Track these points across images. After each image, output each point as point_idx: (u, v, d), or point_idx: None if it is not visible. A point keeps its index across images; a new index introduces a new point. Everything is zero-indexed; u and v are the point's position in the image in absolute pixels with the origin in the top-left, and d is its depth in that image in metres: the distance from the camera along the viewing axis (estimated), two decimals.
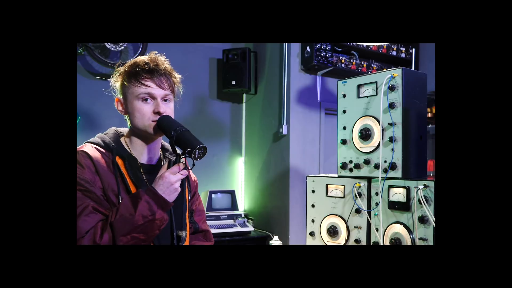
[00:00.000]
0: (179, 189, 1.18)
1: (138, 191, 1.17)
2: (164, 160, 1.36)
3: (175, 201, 1.19)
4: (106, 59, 2.77)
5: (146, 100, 1.23)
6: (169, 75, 1.27)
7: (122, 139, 1.32)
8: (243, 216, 3.03)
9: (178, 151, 1.18)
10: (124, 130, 1.37)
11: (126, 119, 1.30)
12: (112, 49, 2.76)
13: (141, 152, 1.30)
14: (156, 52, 1.30)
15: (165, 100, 1.26)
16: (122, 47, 2.80)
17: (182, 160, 1.18)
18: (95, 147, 1.24)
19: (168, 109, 1.25)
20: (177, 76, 1.33)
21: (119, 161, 1.23)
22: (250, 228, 2.94)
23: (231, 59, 3.17)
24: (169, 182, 1.15)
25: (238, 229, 2.87)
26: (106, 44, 2.73)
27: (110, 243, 1.10)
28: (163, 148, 1.40)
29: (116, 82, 1.29)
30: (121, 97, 1.29)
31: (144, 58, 1.26)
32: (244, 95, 3.52)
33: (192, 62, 3.26)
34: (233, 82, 3.16)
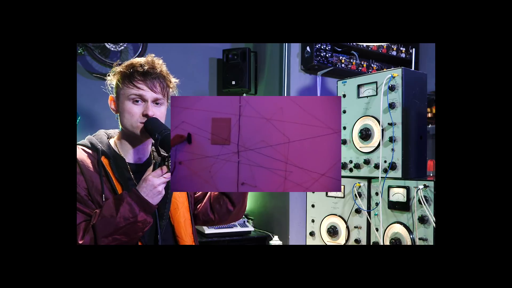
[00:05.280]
0: (163, 192, 1.17)
1: (121, 193, 1.18)
2: (153, 161, 1.36)
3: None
4: (106, 59, 2.76)
5: (136, 101, 1.23)
6: (163, 79, 1.27)
7: (111, 140, 1.33)
8: (243, 216, 3.03)
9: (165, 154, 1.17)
10: (114, 132, 1.38)
11: (117, 118, 1.31)
12: (112, 49, 2.75)
13: (129, 152, 1.30)
14: (153, 55, 1.29)
15: (157, 103, 1.26)
16: (122, 47, 2.80)
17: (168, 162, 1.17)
18: (81, 149, 1.25)
19: (158, 112, 1.25)
20: (173, 81, 1.32)
21: (104, 160, 1.24)
22: (250, 228, 2.93)
23: (231, 59, 3.16)
24: (152, 185, 1.14)
25: (238, 229, 2.87)
26: (106, 44, 2.72)
27: (92, 243, 1.11)
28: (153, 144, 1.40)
29: (112, 81, 1.30)
30: (115, 96, 1.29)
31: (141, 60, 1.26)
32: (244, 95, 3.52)
33: (192, 62, 3.25)
34: (233, 82, 3.16)
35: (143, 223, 1.15)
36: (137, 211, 1.13)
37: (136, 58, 1.29)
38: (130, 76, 1.23)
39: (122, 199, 1.14)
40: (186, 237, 1.34)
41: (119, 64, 1.30)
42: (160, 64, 1.28)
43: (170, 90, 1.32)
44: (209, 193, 1.44)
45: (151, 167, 1.19)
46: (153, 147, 1.39)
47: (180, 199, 1.36)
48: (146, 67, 1.24)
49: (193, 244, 1.37)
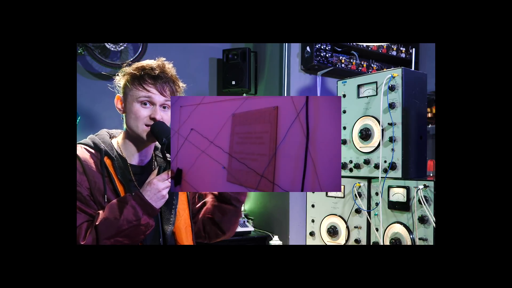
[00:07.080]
0: (167, 196, 1.18)
1: (125, 195, 1.18)
2: (155, 163, 1.37)
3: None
4: (106, 59, 2.76)
5: (145, 104, 1.24)
6: (172, 83, 1.28)
7: (114, 140, 1.33)
8: (243, 216, 3.03)
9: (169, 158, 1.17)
10: (116, 132, 1.38)
11: (122, 118, 1.31)
12: (112, 49, 2.75)
13: (132, 154, 1.30)
14: (164, 58, 1.30)
15: (164, 107, 1.26)
16: (122, 47, 2.80)
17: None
18: (84, 148, 1.25)
19: (166, 116, 1.26)
20: (181, 85, 1.34)
21: (107, 161, 1.24)
22: (250, 228, 2.93)
23: (231, 59, 3.16)
24: (157, 189, 1.15)
25: (238, 229, 2.85)
26: (106, 44, 2.72)
27: (94, 245, 1.11)
28: (155, 147, 1.40)
29: (120, 81, 1.30)
30: (122, 96, 1.30)
31: (152, 63, 1.27)
32: (244, 95, 3.51)
33: (192, 62, 3.25)
34: (233, 82, 3.16)
35: (145, 226, 1.15)
36: (140, 214, 1.14)
37: (147, 60, 1.30)
38: (140, 79, 1.24)
39: (126, 202, 1.14)
40: (187, 243, 1.34)
41: (129, 65, 1.30)
42: (170, 68, 1.29)
43: (177, 94, 1.32)
44: (202, 211, 1.44)
45: (155, 171, 1.20)
46: (157, 150, 1.39)
47: (181, 206, 1.36)
48: (157, 71, 1.25)
49: None
